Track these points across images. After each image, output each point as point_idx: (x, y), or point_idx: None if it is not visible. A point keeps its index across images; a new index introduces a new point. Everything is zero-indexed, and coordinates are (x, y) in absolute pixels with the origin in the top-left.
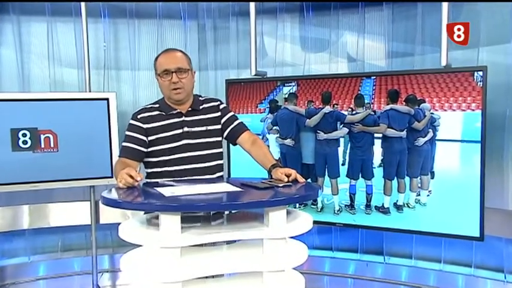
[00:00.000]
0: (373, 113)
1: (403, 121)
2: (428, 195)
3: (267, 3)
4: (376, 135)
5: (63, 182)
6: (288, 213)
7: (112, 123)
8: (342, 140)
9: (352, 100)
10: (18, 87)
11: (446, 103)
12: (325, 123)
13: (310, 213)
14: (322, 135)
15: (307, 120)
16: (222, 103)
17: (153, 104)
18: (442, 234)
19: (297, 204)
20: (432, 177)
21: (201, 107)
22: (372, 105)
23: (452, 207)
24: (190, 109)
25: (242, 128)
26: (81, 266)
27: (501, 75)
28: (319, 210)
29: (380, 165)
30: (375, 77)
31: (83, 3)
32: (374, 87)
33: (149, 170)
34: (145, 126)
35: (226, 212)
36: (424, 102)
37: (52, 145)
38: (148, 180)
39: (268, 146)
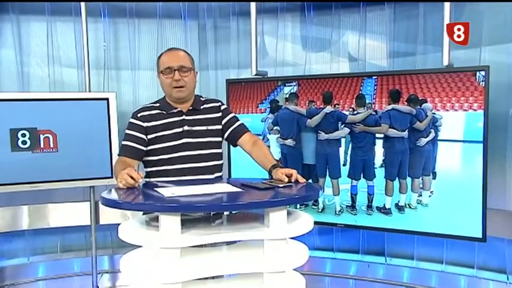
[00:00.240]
0: (374, 113)
1: (404, 121)
2: (430, 196)
3: (268, 2)
4: (377, 135)
5: (62, 183)
6: (289, 213)
7: (112, 124)
8: (343, 140)
9: (354, 100)
10: (17, 87)
11: (448, 103)
12: (326, 123)
13: (311, 213)
14: (323, 136)
15: (308, 120)
16: (223, 104)
17: (153, 103)
18: (444, 235)
19: (298, 205)
20: (434, 178)
21: (201, 107)
22: (373, 105)
23: (454, 207)
24: (191, 108)
25: (243, 129)
26: (80, 267)
27: (503, 75)
28: (320, 210)
29: (381, 166)
30: (376, 77)
31: (82, 3)
32: (375, 87)
33: (148, 169)
34: (145, 124)
35: (227, 213)
36: (426, 102)
37: (52, 145)
38: (148, 180)
39: (269, 146)
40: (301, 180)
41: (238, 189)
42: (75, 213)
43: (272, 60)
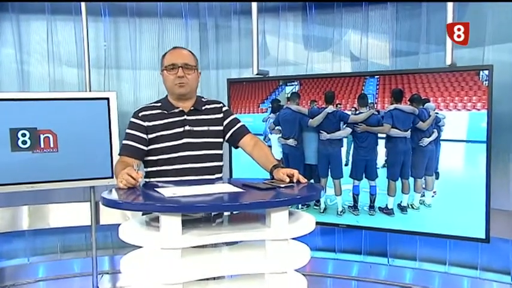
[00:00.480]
0: (376, 113)
1: (407, 121)
2: (433, 196)
3: (269, 2)
4: (379, 135)
5: (62, 183)
6: (290, 214)
7: (112, 123)
8: (345, 140)
9: (356, 100)
10: (17, 87)
11: (451, 103)
12: (328, 123)
13: (313, 214)
14: (325, 135)
15: (310, 120)
16: (224, 105)
17: (155, 102)
18: (447, 235)
19: (300, 205)
20: (437, 178)
21: (203, 108)
22: (375, 105)
23: (458, 208)
24: (192, 108)
25: (244, 131)
26: (81, 268)
27: (507, 74)
28: (322, 211)
29: (384, 166)
30: (378, 76)
31: (83, 2)
32: (378, 87)
33: (148, 169)
34: (146, 124)
35: (228, 213)
36: (429, 101)
37: (52, 145)
38: (148, 180)
39: (270, 146)
40: (303, 180)
41: (240, 190)
42: (76, 214)
43: (274, 60)
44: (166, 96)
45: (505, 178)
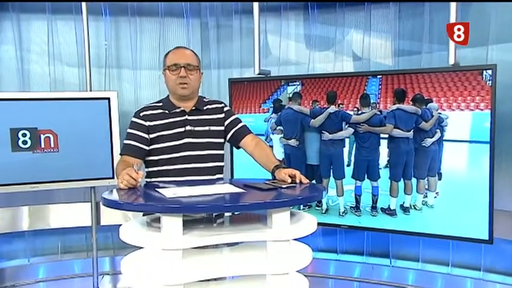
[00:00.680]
0: (379, 113)
1: (410, 121)
2: (435, 197)
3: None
4: (382, 135)
5: (63, 183)
6: (292, 214)
7: (113, 123)
8: (347, 141)
9: (358, 100)
10: (18, 86)
11: (455, 102)
12: (330, 123)
13: (315, 215)
14: (327, 136)
15: (312, 120)
16: (226, 105)
17: (156, 102)
18: (450, 236)
19: (301, 206)
20: (440, 179)
21: (204, 108)
22: (378, 105)
23: (461, 209)
24: (194, 108)
25: (245, 130)
26: (81, 268)
27: (511, 74)
28: (323, 211)
29: (386, 166)
30: (381, 76)
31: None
32: (380, 87)
33: (150, 169)
34: (147, 123)
35: (229, 214)
36: (432, 101)
37: (52, 145)
38: (149, 180)
39: (272, 146)
40: (305, 180)
41: (241, 190)
42: (76, 214)
43: (275, 59)
44: (168, 96)
45: (509, 178)
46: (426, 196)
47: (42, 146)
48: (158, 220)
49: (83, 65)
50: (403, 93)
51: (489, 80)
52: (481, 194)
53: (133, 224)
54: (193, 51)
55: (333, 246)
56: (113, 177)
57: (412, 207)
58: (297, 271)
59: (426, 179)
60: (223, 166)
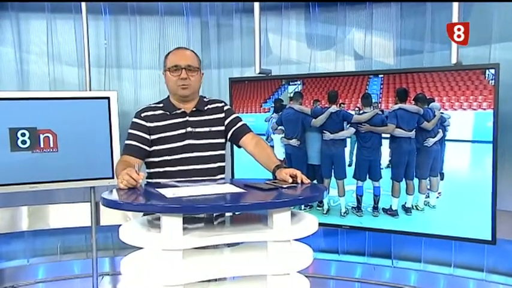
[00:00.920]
0: (380, 113)
1: (411, 121)
2: (437, 197)
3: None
4: (384, 135)
5: (62, 183)
6: (293, 215)
7: (113, 123)
8: (348, 141)
9: (359, 99)
10: (17, 86)
11: (457, 102)
12: (331, 123)
13: (316, 215)
14: (328, 136)
15: (313, 120)
16: (226, 104)
17: (156, 103)
18: (452, 237)
19: (302, 206)
20: (442, 179)
21: (205, 108)
22: (379, 105)
23: (463, 209)
24: (194, 109)
25: (245, 129)
26: (81, 269)
27: None
28: (325, 212)
29: (388, 166)
30: (382, 75)
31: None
32: (382, 86)
33: (151, 170)
34: (148, 124)
35: (229, 214)
36: (434, 101)
37: (51, 145)
38: (150, 181)
39: (273, 146)
40: (306, 180)
41: (241, 190)
42: (76, 214)
43: (276, 59)
44: (168, 96)
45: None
46: (428, 196)
47: (42, 145)
48: (158, 220)
49: (82, 64)
50: (405, 93)
51: (492, 79)
52: (484, 194)
53: (133, 224)
54: (193, 52)
55: (334, 247)
56: (112, 177)
57: (414, 207)
58: (298, 272)
59: (428, 179)
60: (224, 166)
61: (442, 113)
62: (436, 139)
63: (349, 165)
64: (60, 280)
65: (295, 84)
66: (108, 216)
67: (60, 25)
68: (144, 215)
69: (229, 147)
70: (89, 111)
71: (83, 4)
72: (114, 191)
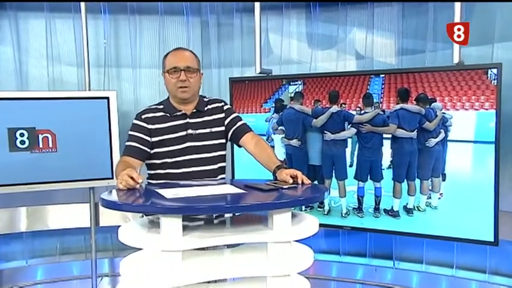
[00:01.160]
0: (382, 113)
1: (413, 121)
2: (439, 198)
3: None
4: (385, 135)
5: (62, 183)
6: (293, 216)
7: (112, 123)
8: (349, 141)
9: (361, 99)
10: (15, 86)
11: (459, 102)
12: (332, 123)
13: (317, 216)
14: (329, 136)
15: (314, 120)
16: (226, 104)
17: (157, 104)
18: (454, 238)
19: (303, 207)
20: (444, 180)
21: (205, 108)
22: (380, 105)
23: (465, 210)
24: (195, 110)
25: (245, 129)
26: (80, 270)
27: None
28: (325, 213)
29: (389, 167)
30: (384, 75)
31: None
32: (383, 86)
33: (152, 172)
34: (149, 126)
35: (229, 215)
36: (436, 101)
37: (50, 145)
38: (151, 181)
39: (274, 146)
40: (306, 181)
41: (242, 191)
42: (75, 215)
43: (277, 58)
44: (168, 98)
45: None
46: (430, 197)
47: (41, 146)
48: (158, 221)
49: (81, 64)
50: (406, 93)
51: (494, 79)
52: (486, 195)
53: (133, 225)
54: (192, 53)
55: (335, 248)
56: (112, 178)
57: (416, 208)
58: (299, 273)
59: (430, 179)
60: (225, 166)
61: (444, 113)
62: (437, 139)
63: (350, 165)
64: (59, 281)
65: (296, 84)
66: (108, 217)
67: (59, 25)
68: (143, 216)
69: (230, 148)
70: (88, 111)
71: (82, 3)
72: (114, 191)
